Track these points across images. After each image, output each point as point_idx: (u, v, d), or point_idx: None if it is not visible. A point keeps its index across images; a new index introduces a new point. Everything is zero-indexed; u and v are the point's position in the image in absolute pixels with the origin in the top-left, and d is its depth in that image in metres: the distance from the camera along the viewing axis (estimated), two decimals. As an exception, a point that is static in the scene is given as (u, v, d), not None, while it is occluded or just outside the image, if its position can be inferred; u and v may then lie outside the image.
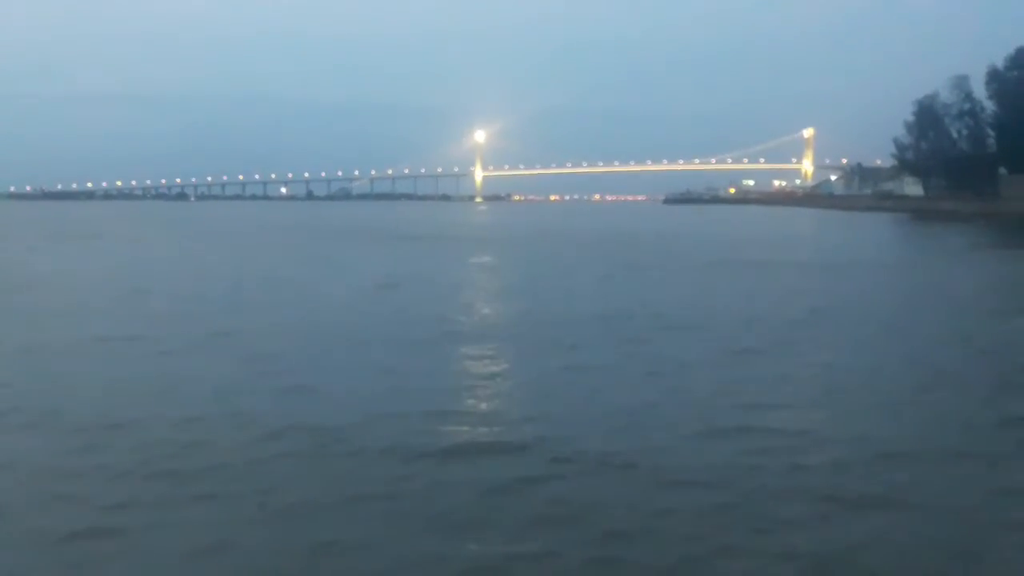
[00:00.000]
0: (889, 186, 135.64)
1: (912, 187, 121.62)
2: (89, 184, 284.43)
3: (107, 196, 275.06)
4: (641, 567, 5.88)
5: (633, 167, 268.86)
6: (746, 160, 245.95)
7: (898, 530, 6.42)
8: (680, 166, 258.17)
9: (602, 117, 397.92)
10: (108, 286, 23.79)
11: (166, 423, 9.17)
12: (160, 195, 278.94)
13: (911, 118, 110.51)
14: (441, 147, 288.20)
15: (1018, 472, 7.79)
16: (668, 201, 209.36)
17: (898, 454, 8.19)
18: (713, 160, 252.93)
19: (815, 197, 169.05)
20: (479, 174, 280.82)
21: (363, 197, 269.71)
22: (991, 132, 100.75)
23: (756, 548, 6.11)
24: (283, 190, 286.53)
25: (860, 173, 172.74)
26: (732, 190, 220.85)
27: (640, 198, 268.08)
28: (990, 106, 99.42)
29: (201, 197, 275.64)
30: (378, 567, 5.83)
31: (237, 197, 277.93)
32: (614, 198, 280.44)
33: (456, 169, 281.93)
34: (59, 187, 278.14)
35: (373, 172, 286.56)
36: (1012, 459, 8.17)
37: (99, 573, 5.81)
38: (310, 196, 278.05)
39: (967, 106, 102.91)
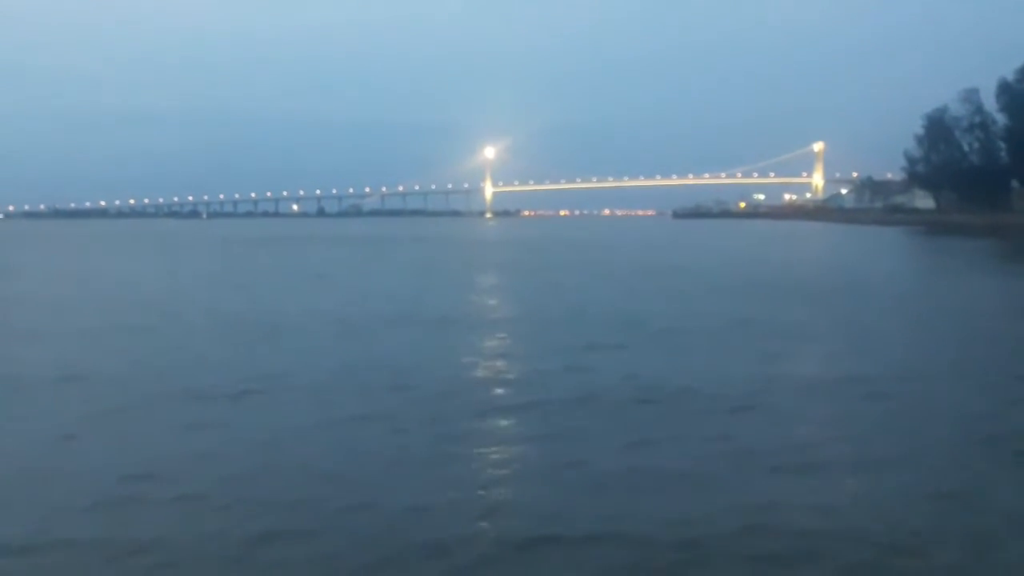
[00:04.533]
0: (900, 199, 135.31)
1: (923, 200, 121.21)
2: (102, 202, 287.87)
3: (120, 214, 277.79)
4: None
5: (643, 182, 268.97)
6: (756, 174, 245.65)
7: None
8: (690, 180, 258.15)
9: (611, 132, 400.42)
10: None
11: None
12: (173, 212, 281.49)
13: (921, 131, 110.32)
14: (451, 163, 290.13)
15: None
16: (677, 215, 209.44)
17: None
18: (723, 174, 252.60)
19: (826, 211, 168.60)
20: (489, 190, 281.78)
21: (374, 213, 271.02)
22: (1002, 145, 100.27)
23: None
24: (294, 207, 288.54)
25: (871, 187, 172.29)
26: (742, 204, 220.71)
27: (650, 213, 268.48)
28: (1001, 119, 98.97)
29: (213, 214, 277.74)
30: None
31: (249, 214, 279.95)
32: (623, 213, 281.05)
33: (466, 185, 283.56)
34: (72, 205, 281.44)
35: (384, 189, 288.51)
36: None
37: None
38: (321, 213, 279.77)
39: (977, 119, 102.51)
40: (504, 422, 9.87)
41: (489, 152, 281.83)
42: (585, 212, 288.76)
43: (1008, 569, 5.97)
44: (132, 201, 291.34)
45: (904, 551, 6.16)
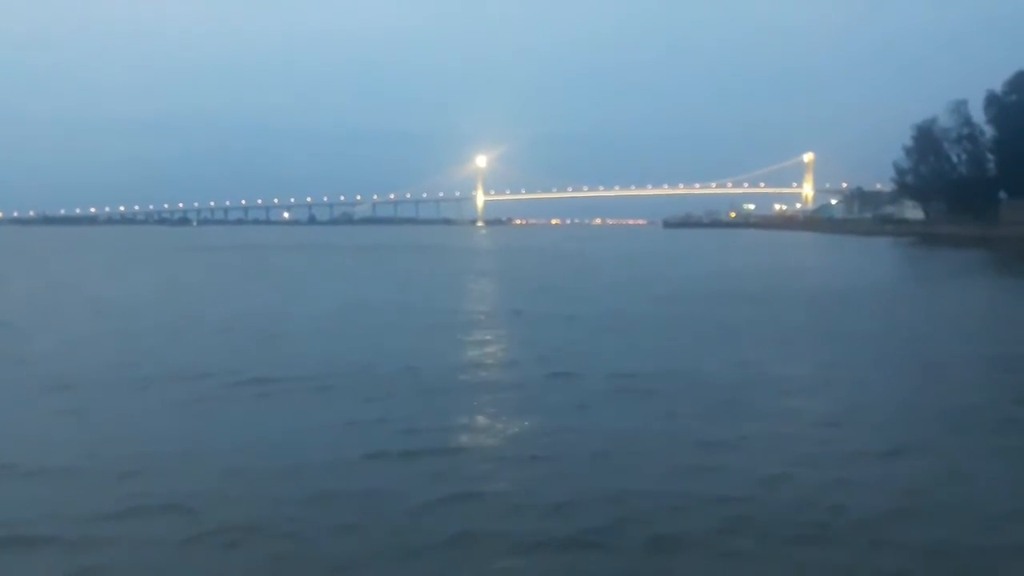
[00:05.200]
0: (889, 210, 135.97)
1: (912, 211, 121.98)
2: (92, 209, 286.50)
3: (109, 221, 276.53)
4: None
5: (634, 191, 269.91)
6: (746, 184, 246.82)
7: None
8: (681, 190, 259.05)
9: (602, 142, 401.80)
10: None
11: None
12: (163, 220, 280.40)
13: (910, 142, 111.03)
14: (443, 172, 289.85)
15: None
16: (668, 225, 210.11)
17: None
18: (714, 184, 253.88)
19: (815, 221, 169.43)
20: (480, 198, 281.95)
21: (365, 222, 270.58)
22: (990, 156, 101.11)
23: None
24: (285, 215, 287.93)
25: (860, 197, 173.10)
26: (733, 214, 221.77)
27: (640, 222, 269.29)
28: (989, 130, 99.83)
29: (203, 222, 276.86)
30: None
31: (239, 222, 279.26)
32: (615, 222, 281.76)
33: (458, 194, 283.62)
34: (62, 212, 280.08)
35: (375, 197, 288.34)
36: None
37: None
38: (312, 221, 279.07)
39: (966, 130, 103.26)
40: (495, 423, 9.92)
41: (481, 161, 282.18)
42: (576, 221, 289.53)
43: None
44: (122, 208, 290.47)
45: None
